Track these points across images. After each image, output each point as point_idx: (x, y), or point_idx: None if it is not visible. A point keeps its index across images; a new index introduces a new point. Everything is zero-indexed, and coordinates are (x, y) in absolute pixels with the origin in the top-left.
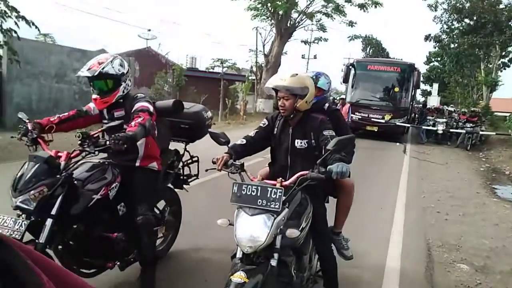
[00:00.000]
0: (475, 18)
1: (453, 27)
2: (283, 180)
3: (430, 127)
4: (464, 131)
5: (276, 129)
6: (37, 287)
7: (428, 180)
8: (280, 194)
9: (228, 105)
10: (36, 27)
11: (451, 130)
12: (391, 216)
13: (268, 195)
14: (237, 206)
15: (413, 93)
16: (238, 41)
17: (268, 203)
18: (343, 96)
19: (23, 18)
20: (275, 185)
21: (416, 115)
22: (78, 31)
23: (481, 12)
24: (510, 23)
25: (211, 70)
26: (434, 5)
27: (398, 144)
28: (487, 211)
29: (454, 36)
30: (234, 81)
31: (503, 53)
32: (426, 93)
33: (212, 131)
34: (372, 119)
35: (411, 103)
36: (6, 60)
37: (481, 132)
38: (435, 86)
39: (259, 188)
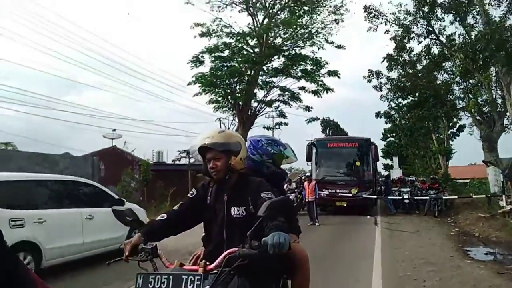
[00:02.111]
0: (417, 94)
1: (400, 104)
2: (207, 263)
3: (396, 197)
4: (428, 197)
5: (209, 197)
6: None
7: (402, 249)
8: (198, 283)
9: None
10: None
11: (416, 198)
12: None
13: (183, 286)
14: None
15: (374, 166)
16: (202, 131)
17: None
18: (308, 174)
19: None
20: (196, 270)
21: (382, 187)
22: (37, 136)
23: (421, 88)
24: (449, 96)
25: (177, 162)
26: (378, 86)
27: (368, 217)
28: (463, 274)
29: (403, 112)
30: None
31: (450, 124)
32: (389, 167)
33: (116, 208)
34: (340, 194)
35: (374, 175)
36: None
37: (444, 197)
38: (395, 159)
39: (171, 278)
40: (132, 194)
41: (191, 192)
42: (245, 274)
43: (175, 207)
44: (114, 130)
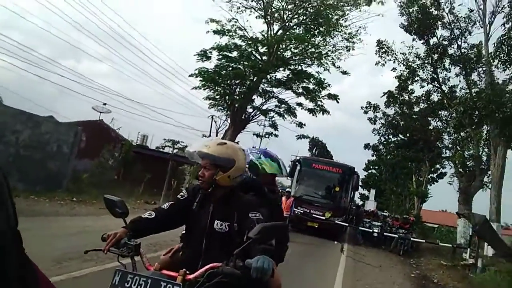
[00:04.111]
0: (408, 134)
1: (389, 140)
2: (187, 272)
3: (367, 229)
4: (397, 236)
5: (195, 203)
6: None
7: (362, 282)
8: None
9: (173, 186)
10: None
11: (385, 233)
12: None
13: None
14: None
15: (352, 195)
16: (192, 125)
17: None
18: (288, 189)
19: None
20: (175, 278)
21: (354, 217)
22: (26, 93)
23: (413, 130)
24: (437, 143)
25: (161, 150)
26: (373, 119)
27: (336, 242)
28: None
29: (390, 149)
30: (184, 163)
31: (432, 169)
32: (364, 197)
33: (108, 197)
34: (313, 215)
35: (350, 203)
36: None
37: (412, 239)
38: (372, 191)
39: (149, 281)
40: (108, 171)
41: (181, 193)
42: None
43: (164, 206)
44: (105, 104)
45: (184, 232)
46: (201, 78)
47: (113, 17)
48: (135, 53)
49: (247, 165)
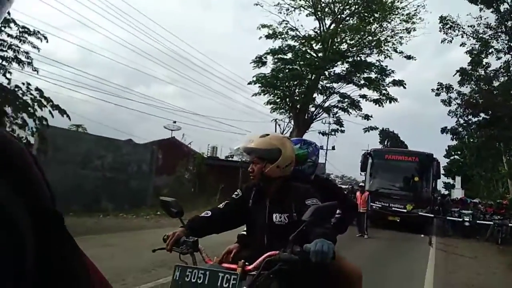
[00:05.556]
0: (490, 112)
1: (470, 121)
2: (246, 263)
3: (456, 218)
4: (492, 223)
5: (251, 200)
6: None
7: (457, 274)
8: (234, 282)
9: None
10: (68, 116)
11: (478, 222)
12: None
13: (219, 284)
14: None
15: (434, 184)
16: (258, 131)
17: None
18: (362, 184)
19: (57, 107)
20: (234, 269)
21: (440, 207)
22: (106, 121)
23: (496, 106)
24: None
25: (230, 159)
26: (447, 101)
27: (422, 235)
28: None
29: (472, 130)
30: None
31: None
32: (450, 186)
33: (164, 199)
34: (393, 209)
35: (433, 193)
36: (37, 147)
37: (510, 224)
38: (458, 179)
39: (207, 273)
40: (184, 185)
41: (236, 192)
42: (285, 280)
43: (220, 205)
44: (175, 122)
45: (243, 232)
46: (260, 84)
47: (172, 39)
48: (196, 70)
49: (317, 161)
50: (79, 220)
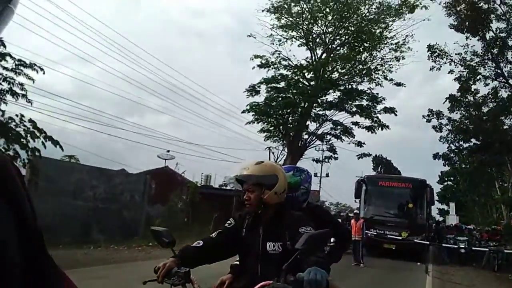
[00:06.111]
0: (481, 138)
1: (461, 147)
2: None
3: (451, 245)
4: (488, 249)
5: (244, 230)
6: None
7: None
8: None
9: None
10: (61, 147)
11: (473, 248)
12: None
13: None
14: None
15: (428, 210)
16: (252, 159)
17: None
18: (356, 211)
19: (50, 138)
20: None
21: (435, 234)
22: (100, 151)
23: (486, 132)
24: None
25: (224, 188)
26: (438, 127)
27: (419, 263)
28: None
29: (463, 156)
30: None
31: None
32: (444, 212)
33: (155, 228)
34: (389, 236)
35: (428, 220)
36: (28, 178)
37: (506, 251)
38: (452, 205)
39: None
40: (178, 214)
41: (228, 221)
42: None
43: (213, 235)
44: (168, 151)
45: (235, 262)
46: (253, 113)
47: (166, 70)
48: (190, 99)
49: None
50: (69, 252)
